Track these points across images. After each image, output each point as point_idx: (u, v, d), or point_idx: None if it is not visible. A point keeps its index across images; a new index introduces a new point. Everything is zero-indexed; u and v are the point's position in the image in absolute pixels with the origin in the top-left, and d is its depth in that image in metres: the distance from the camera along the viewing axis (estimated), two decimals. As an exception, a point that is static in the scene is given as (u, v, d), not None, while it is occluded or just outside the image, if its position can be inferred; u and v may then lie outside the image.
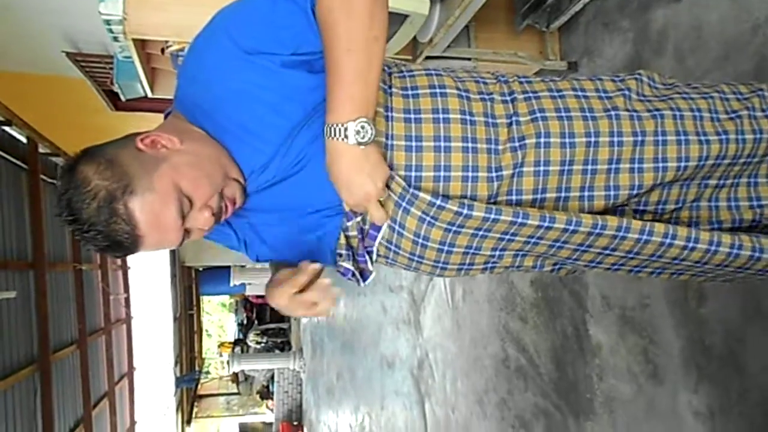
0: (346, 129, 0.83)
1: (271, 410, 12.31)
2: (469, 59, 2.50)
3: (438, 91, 0.96)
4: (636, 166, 0.96)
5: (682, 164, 0.96)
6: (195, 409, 15.52)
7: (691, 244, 0.92)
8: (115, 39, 2.40)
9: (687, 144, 0.97)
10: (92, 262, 7.56)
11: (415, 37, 2.28)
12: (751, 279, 1.04)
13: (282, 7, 0.87)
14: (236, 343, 13.94)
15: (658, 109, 0.99)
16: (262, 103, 0.88)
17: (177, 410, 13.33)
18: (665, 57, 2.09)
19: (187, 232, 0.91)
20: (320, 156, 0.89)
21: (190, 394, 15.02)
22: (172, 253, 12.15)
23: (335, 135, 0.84)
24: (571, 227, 0.89)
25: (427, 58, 2.41)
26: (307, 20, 0.87)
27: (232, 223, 1.05)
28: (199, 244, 10.30)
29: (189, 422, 14.73)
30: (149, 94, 2.93)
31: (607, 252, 0.95)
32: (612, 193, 0.96)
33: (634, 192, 0.96)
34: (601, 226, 0.89)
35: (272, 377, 11.83)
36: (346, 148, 0.84)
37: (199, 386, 15.88)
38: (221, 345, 16.00)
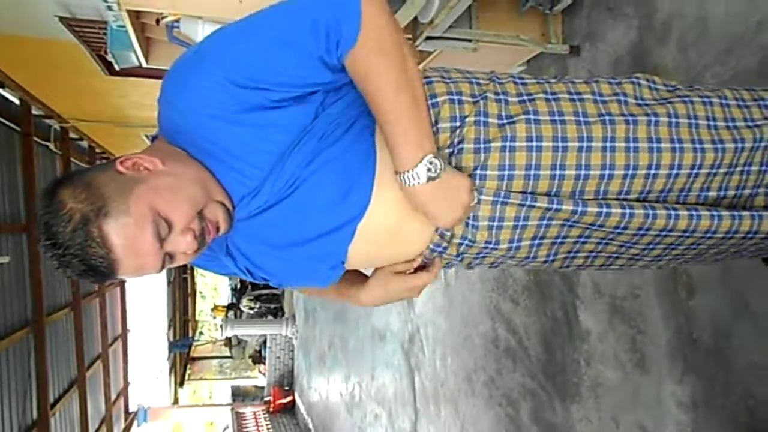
0: (417, 173, 0.86)
1: (263, 375, 12.47)
2: (470, 41, 2.46)
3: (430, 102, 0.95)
4: (629, 172, 0.95)
5: (674, 172, 0.96)
6: (188, 372, 15.72)
7: (673, 213, 0.94)
8: (109, 8, 2.36)
9: (681, 152, 0.96)
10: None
11: (416, 17, 2.23)
12: (741, 252, 1.05)
13: (284, 48, 0.84)
14: (229, 307, 14.02)
15: (656, 114, 0.98)
16: (247, 129, 0.86)
17: (170, 372, 13.50)
18: (668, 46, 2.06)
19: (169, 257, 0.87)
20: (316, 178, 0.89)
21: (183, 356, 15.19)
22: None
23: (409, 182, 0.86)
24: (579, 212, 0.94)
25: (428, 38, 2.37)
26: (309, 62, 0.85)
27: (232, 252, 1.02)
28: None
29: (182, 384, 14.94)
30: (144, 64, 2.88)
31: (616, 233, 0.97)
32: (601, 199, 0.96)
33: (622, 197, 0.96)
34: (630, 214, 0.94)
35: (264, 342, 11.96)
36: (422, 189, 0.87)
37: (193, 349, 16.05)
38: (215, 308, 16.09)
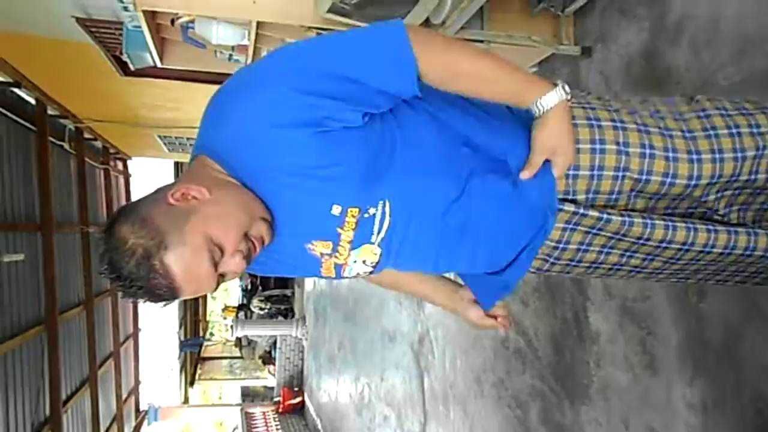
0: (551, 95, 0.94)
1: (273, 375, 12.50)
2: (482, 41, 2.46)
3: None
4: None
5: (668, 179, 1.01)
6: (198, 372, 15.80)
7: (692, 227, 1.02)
8: (125, 9, 2.39)
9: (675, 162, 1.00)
10: (99, 224, 7.62)
11: (427, 18, 2.25)
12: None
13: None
14: (240, 308, 14.07)
15: (668, 129, 1.03)
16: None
17: (181, 372, 13.58)
18: (681, 48, 2.06)
19: (221, 276, 0.93)
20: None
21: (193, 356, 15.26)
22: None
23: (546, 105, 0.94)
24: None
25: (439, 39, 2.38)
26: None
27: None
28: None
29: (192, 384, 15.01)
30: (158, 64, 2.91)
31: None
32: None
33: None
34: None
35: (275, 343, 11.99)
36: (556, 110, 0.95)
37: (203, 349, 16.13)
38: (225, 309, 16.14)
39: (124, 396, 8.66)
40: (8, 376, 4.66)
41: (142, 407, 10.50)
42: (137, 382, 9.96)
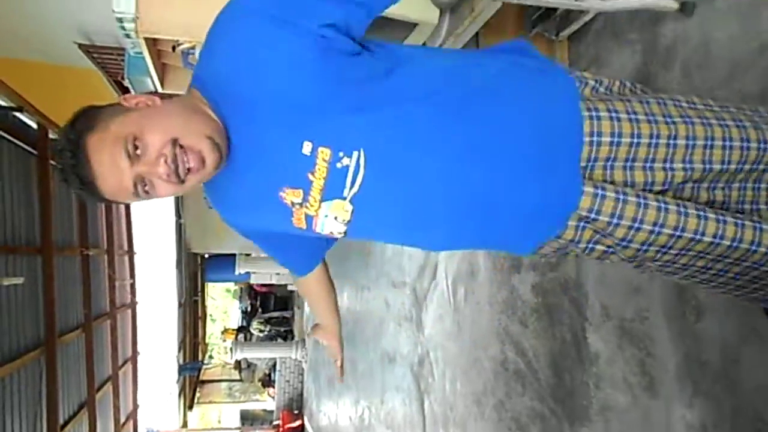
0: None
1: (273, 398, 12.42)
2: (477, 66, 2.51)
3: None
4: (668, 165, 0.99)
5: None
6: (197, 395, 15.67)
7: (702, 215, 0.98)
8: (127, 36, 2.43)
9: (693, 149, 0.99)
10: (99, 247, 7.63)
11: (424, 43, 2.29)
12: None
13: None
14: (239, 330, 14.04)
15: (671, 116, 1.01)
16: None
17: (179, 395, 13.47)
18: (673, 71, 2.10)
19: (145, 182, 0.93)
20: None
21: (192, 379, 15.16)
22: (179, 239, 12.23)
23: None
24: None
25: (436, 64, 2.42)
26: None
27: None
28: (205, 231, 10.35)
29: (191, 407, 14.88)
30: (159, 89, 2.96)
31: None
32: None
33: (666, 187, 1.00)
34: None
35: (274, 365, 11.94)
36: None
37: (202, 372, 16.02)
38: (225, 331, 16.11)
39: (122, 420, 8.59)
40: (6, 400, 4.64)
41: (141, 431, 10.39)
42: (136, 406, 9.88)
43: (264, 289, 14.67)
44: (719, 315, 1.86)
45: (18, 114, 5.10)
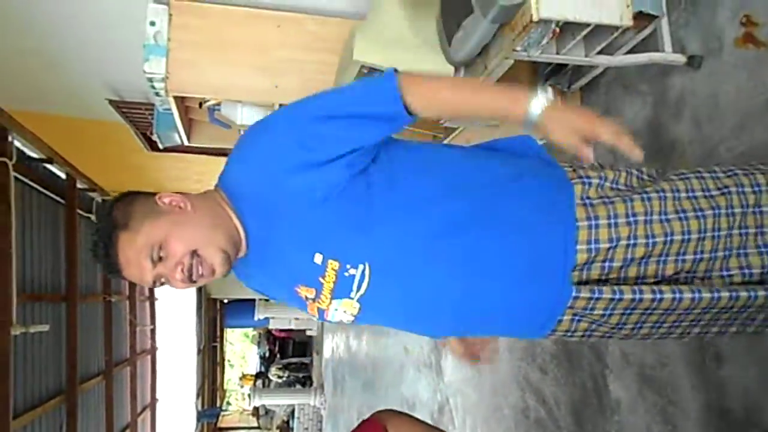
0: (534, 104, 1.01)
1: (291, 446, 12.23)
2: (492, 117, 2.58)
3: None
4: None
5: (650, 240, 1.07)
6: (215, 443, 15.49)
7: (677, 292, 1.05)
8: (157, 94, 2.56)
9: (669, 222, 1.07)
10: (121, 294, 7.73)
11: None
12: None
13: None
14: (258, 376, 13.94)
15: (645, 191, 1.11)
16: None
17: (197, 443, 13.33)
18: (683, 122, 2.15)
19: (162, 278, 1.05)
20: None
21: (210, 426, 15.01)
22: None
23: (534, 115, 1.01)
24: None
25: (452, 116, 2.50)
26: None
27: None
28: (224, 278, 10.43)
29: (209, 455, 14.70)
30: (185, 143, 3.08)
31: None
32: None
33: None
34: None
35: (293, 412, 11.80)
36: (545, 115, 1.01)
37: (220, 419, 15.86)
38: (243, 377, 16.01)
39: (140, 469, 8.52)
40: (27, 448, 4.66)
41: (158, 480, 10.27)
42: (154, 454, 9.80)
43: (283, 335, 14.64)
44: (740, 362, 1.86)
45: (48, 165, 5.29)
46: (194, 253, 1.03)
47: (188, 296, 12.32)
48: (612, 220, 1.06)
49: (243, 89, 2.47)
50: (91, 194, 6.37)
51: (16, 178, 4.20)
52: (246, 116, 2.62)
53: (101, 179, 6.10)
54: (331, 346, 10.03)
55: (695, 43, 2.09)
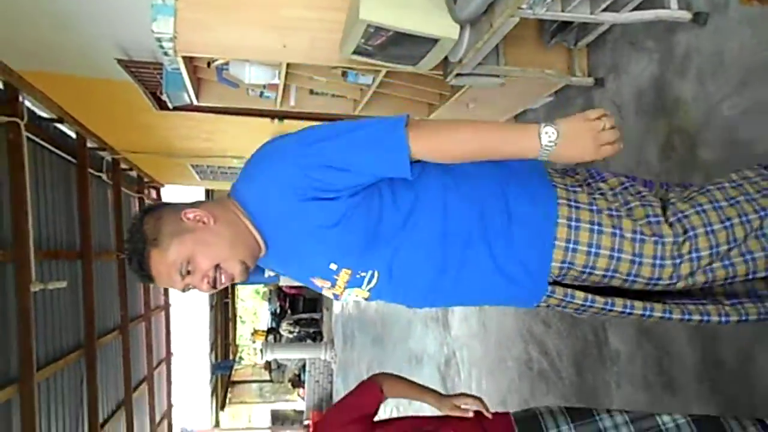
0: (545, 144, 1.05)
1: (303, 398, 12.59)
2: (498, 76, 2.60)
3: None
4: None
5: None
6: (229, 395, 15.95)
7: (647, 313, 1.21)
8: (166, 54, 2.58)
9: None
10: (134, 252, 7.86)
11: (446, 57, 2.39)
12: None
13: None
14: (269, 332, 14.24)
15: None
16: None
17: (212, 395, 13.74)
18: (687, 79, 2.16)
19: (189, 287, 1.18)
20: None
21: (224, 380, 15.43)
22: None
23: (549, 151, 1.06)
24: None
25: (458, 75, 2.52)
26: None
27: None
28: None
29: (223, 407, 15.17)
30: (195, 102, 3.11)
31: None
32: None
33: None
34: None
35: (304, 366, 12.11)
36: (558, 148, 1.06)
37: (233, 373, 16.29)
38: (254, 332, 16.33)
39: (157, 419, 8.82)
40: (50, 399, 4.85)
41: (175, 430, 10.64)
42: (170, 406, 10.12)
43: (293, 291, 14.87)
44: (734, 315, 1.92)
45: (58, 125, 5.33)
46: (217, 267, 1.16)
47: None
48: (595, 227, 1.17)
49: (251, 49, 2.48)
50: (102, 153, 6.43)
51: (27, 138, 4.26)
52: (254, 75, 2.64)
53: (111, 139, 6.14)
54: (341, 302, 10.21)
55: (701, 0, 2.09)
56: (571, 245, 1.16)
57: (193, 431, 11.32)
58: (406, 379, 1.80)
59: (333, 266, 1.18)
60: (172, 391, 10.13)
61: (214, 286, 1.17)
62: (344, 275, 1.19)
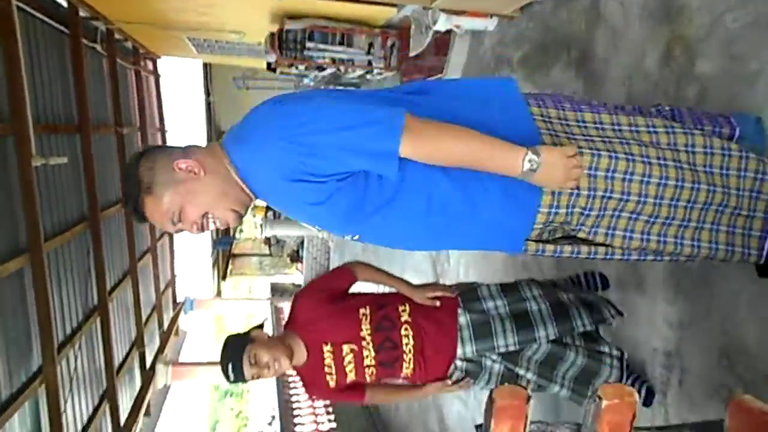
0: (525, 170, 1.17)
1: (301, 273, 13.11)
2: None
3: None
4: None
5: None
6: (230, 267, 16.58)
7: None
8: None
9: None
10: (132, 125, 7.85)
11: None
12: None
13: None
14: (269, 208, 14.50)
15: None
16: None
17: (213, 267, 14.30)
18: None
19: (179, 230, 1.31)
20: None
21: (225, 253, 15.96)
22: (209, 117, 12.40)
23: (529, 177, 1.18)
24: None
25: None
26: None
27: None
28: (234, 109, 10.45)
29: (224, 278, 15.82)
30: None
31: None
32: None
33: None
34: None
35: (302, 243, 12.49)
36: (538, 174, 1.18)
37: (234, 245, 16.81)
38: (254, 207, 16.61)
39: (162, 288, 9.26)
40: (60, 267, 5.08)
41: (179, 299, 11.21)
42: (173, 276, 10.58)
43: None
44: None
45: (48, -8, 5.12)
46: (205, 215, 1.28)
47: (198, 128, 12.47)
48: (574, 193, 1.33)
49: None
50: (95, 23, 6.22)
51: (17, 7, 4.11)
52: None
53: (103, 7, 5.90)
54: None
55: None
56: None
57: (196, 299, 11.92)
58: (378, 269, 2.07)
59: (316, 228, 1.32)
60: (175, 262, 10.54)
61: (203, 230, 1.30)
62: (327, 233, 1.33)
